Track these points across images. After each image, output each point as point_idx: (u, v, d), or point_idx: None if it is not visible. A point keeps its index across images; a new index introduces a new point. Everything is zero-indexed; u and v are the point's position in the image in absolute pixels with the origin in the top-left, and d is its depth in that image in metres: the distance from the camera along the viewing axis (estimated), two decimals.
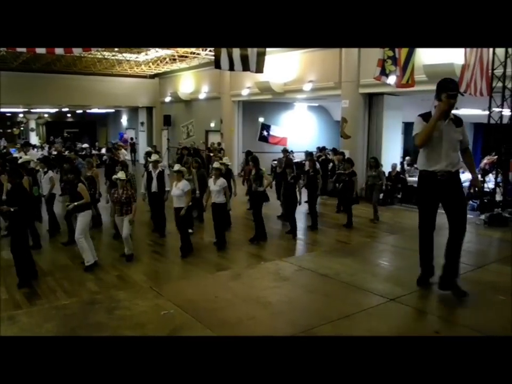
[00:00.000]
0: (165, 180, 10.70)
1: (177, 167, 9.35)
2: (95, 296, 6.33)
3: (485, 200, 11.72)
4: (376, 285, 5.73)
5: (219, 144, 22.50)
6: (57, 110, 33.09)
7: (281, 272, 6.27)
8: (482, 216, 10.14)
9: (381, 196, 13.27)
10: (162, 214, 10.73)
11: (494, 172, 12.25)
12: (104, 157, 21.26)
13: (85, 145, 29.34)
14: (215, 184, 9.27)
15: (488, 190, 11.99)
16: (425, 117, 5.18)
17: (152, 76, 27.80)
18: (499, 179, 11.65)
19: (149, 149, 15.81)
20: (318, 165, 12.85)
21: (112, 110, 33.83)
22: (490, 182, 12.32)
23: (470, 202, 14.57)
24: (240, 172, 20.10)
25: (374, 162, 12.14)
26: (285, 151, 15.59)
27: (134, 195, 8.79)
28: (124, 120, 33.75)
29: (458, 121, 5.28)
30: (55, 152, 22.77)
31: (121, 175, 8.71)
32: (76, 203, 8.09)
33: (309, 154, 13.26)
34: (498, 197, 11.44)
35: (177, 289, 5.91)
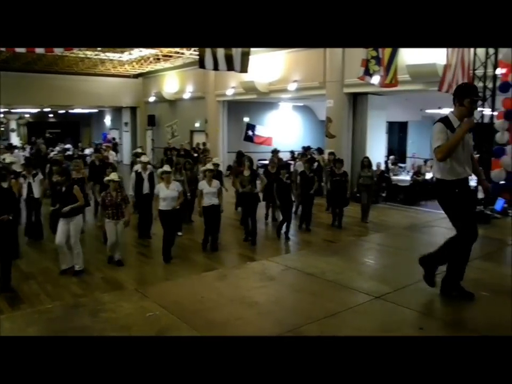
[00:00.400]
0: (155, 181, 10.61)
1: (166, 168, 9.14)
2: (79, 299, 6.26)
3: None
4: (362, 283, 5.76)
5: (204, 144, 22.45)
6: (38, 110, 32.76)
7: (267, 271, 6.27)
8: None
9: None
10: (150, 215, 10.64)
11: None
12: (88, 158, 21.01)
13: (68, 145, 29.12)
14: (210, 186, 9.15)
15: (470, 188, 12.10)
16: (446, 122, 4.91)
17: (136, 76, 27.66)
18: None
19: (139, 149, 15.58)
20: (314, 166, 12.95)
21: (96, 110, 33.61)
22: (472, 180, 12.42)
23: None
24: (229, 172, 20.08)
25: (368, 162, 12.15)
26: (275, 151, 15.54)
27: (127, 197, 8.67)
28: (108, 120, 33.55)
29: None
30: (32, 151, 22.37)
31: (114, 176, 8.45)
32: (72, 206, 7.81)
33: (304, 155, 13.29)
34: (480, 195, 11.54)
35: (162, 290, 5.87)
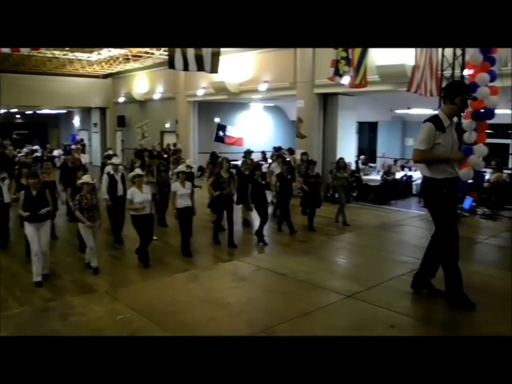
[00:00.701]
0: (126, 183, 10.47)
1: (138, 171, 8.91)
2: (48, 303, 6.14)
3: None
4: (333, 283, 5.79)
5: (175, 145, 22.29)
6: (5, 111, 32.06)
7: (239, 272, 6.26)
8: None
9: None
10: (123, 218, 10.38)
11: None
12: (57, 160, 20.67)
13: (36, 147, 28.63)
14: (184, 188, 9.05)
15: None
16: (436, 122, 4.85)
17: (105, 76, 27.34)
18: None
19: (110, 151, 15.27)
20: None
21: (64, 111, 33.09)
22: None
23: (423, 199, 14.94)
24: (200, 173, 20.04)
25: (344, 163, 12.16)
26: (249, 152, 15.45)
27: (99, 199, 8.52)
28: (76, 121, 33.07)
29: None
30: None
31: (87, 178, 8.20)
32: (47, 209, 7.67)
33: (279, 156, 13.23)
34: None
35: (133, 293, 5.81)
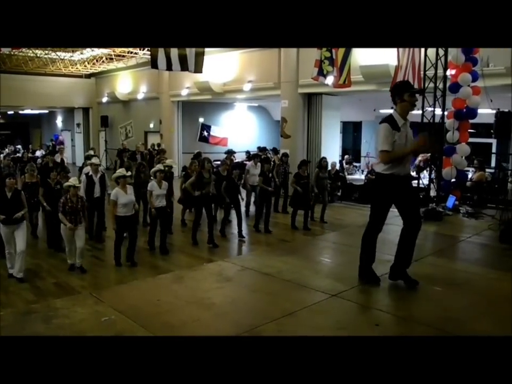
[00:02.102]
0: (107, 183, 10.41)
1: (122, 171, 8.76)
2: (31, 305, 6.06)
3: (420, 196, 12.10)
4: (318, 282, 5.80)
5: (159, 145, 22.21)
6: None
7: (224, 272, 6.24)
8: None
9: None
10: (103, 219, 10.40)
11: (428, 169, 12.68)
12: (39, 161, 20.40)
13: (18, 146, 28.33)
14: (161, 188, 9.06)
15: (423, 186, 12.39)
16: (391, 122, 5.16)
17: (88, 76, 27.14)
18: (433, 175, 12.05)
19: (91, 152, 15.12)
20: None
21: (46, 111, 32.76)
22: (425, 179, 12.74)
23: None
24: (184, 173, 19.89)
25: (326, 163, 12.17)
26: (230, 152, 15.40)
27: (85, 202, 8.43)
28: (59, 121, 32.76)
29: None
30: None
31: (74, 181, 8.12)
32: (21, 213, 7.69)
33: (256, 155, 13.20)
34: (432, 193, 11.84)
35: (117, 294, 5.76)
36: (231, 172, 10.90)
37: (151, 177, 9.60)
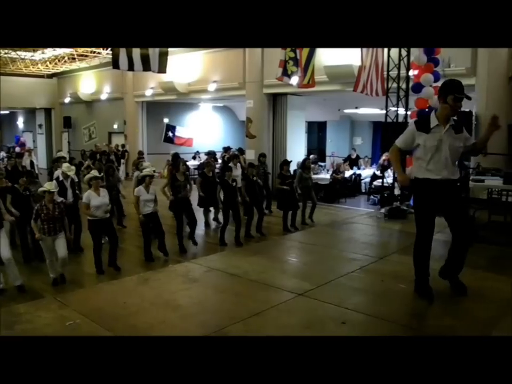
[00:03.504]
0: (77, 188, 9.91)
1: (95, 172, 8.49)
2: None
3: (385, 195, 12.27)
4: (284, 281, 5.82)
5: (123, 146, 21.99)
6: None
7: (190, 274, 6.21)
8: (383, 210, 10.59)
9: None
10: (79, 226, 9.72)
11: (392, 168, 12.84)
12: (0, 162, 19.91)
13: None
14: (148, 193, 8.57)
15: (387, 184, 12.55)
16: (422, 124, 4.79)
17: (50, 76, 26.66)
18: (397, 174, 12.20)
19: (61, 153, 14.62)
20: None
21: (7, 112, 31.99)
22: (389, 178, 12.90)
23: (371, 197, 15.27)
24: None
25: (309, 163, 12.11)
26: (210, 153, 14.96)
27: (64, 208, 7.83)
28: (20, 122, 32.08)
29: (459, 127, 4.86)
30: None
31: (49, 186, 7.59)
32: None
33: (236, 156, 13.08)
34: (396, 191, 12.00)
35: (82, 297, 5.67)
36: (224, 173, 10.37)
37: (120, 180, 9.30)
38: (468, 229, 5.08)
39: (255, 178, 10.79)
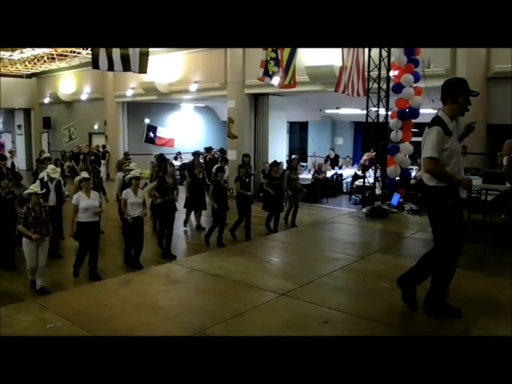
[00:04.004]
0: (63, 191, 9.74)
1: (85, 174, 8.25)
2: None
3: (366, 194, 12.35)
4: (267, 281, 5.82)
5: (104, 146, 21.82)
6: None
7: (172, 275, 6.17)
8: (364, 209, 10.65)
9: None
10: (59, 231, 9.52)
11: (373, 168, 12.94)
12: None
13: None
14: (137, 196, 8.31)
15: (368, 184, 12.63)
16: (445, 128, 4.44)
17: (29, 76, 26.33)
18: (378, 174, 12.30)
19: (47, 154, 14.20)
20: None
21: None
22: (370, 177, 12.99)
23: (353, 196, 15.35)
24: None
25: (296, 164, 12.07)
26: (197, 153, 14.60)
27: (48, 213, 7.60)
28: None
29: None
30: None
31: (35, 188, 7.32)
32: None
33: (225, 159, 13.01)
34: (378, 191, 12.08)
35: (63, 300, 5.59)
36: (217, 174, 10.25)
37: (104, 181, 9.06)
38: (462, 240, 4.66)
39: (247, 180, 10.63)
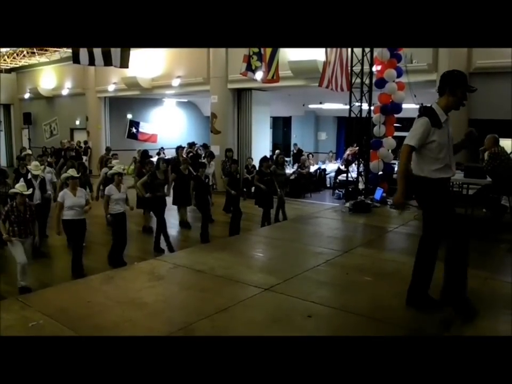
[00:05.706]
0: (48, 189, 9.65)
1: (72, 172, 8.10)
2: None
3: (349, 189, 12.40)
4: (251, 276, 5.81)
5: (85, 142, 21.64)
6: None
7: (155, 271, 6.14)
8: (347, 204, 10.69)
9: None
10: (43, 229, 9.38)
11: (356, 162, 12.99)
12: None
13: None
14: (120, 192, 8.24)
15: (351, 179, 12.69)
16: (433, 118, 4.36)
17: (9, 70, 26.00)
18: (361, 168, 12.35)
19: (29, 151, 14.05)
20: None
21: None
22: (353, 172, 13.04)
23: (336, 191, 15.41)
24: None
25: (282, 159, 12.05)
26: (180, 148, 14.43)
27: (34, 211, 7.47)
28: None
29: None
30: None
31: (21, 188, 7.20)
32: None
33: (211, 155, 12.98)
34: (361, 185, 12.13)
35: (45, 297, 5.53)
36: (199, 170, 10.20)
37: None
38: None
39: (238, 176, 10.68)
